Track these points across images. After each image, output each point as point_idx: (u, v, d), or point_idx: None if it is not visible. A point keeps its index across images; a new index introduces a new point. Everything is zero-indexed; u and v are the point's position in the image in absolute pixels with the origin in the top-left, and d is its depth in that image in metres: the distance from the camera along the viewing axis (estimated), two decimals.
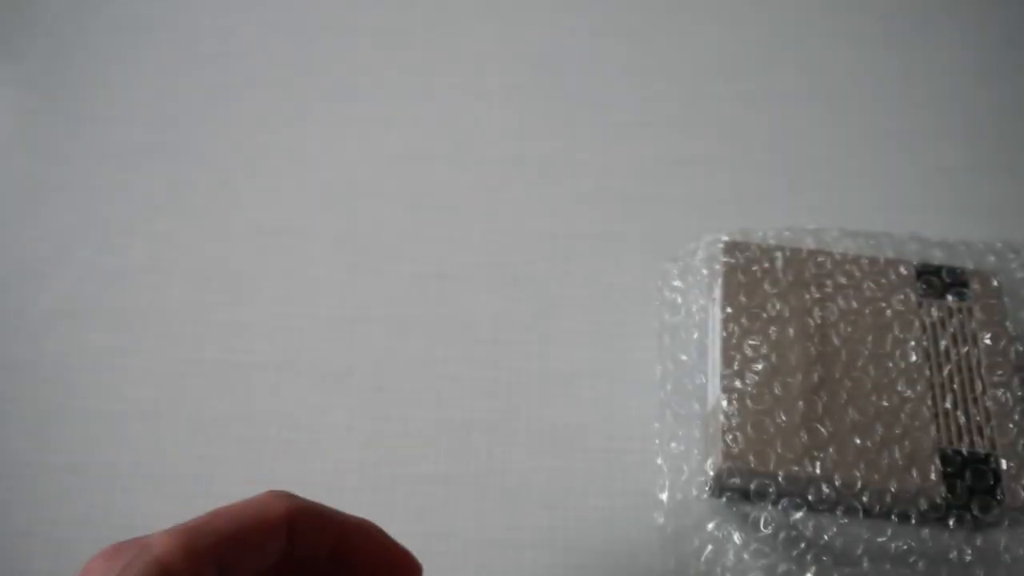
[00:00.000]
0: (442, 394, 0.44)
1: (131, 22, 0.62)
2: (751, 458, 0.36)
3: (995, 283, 0.40)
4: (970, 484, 0.34)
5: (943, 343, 0.38)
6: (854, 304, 0.39)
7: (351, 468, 0.42)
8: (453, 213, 0.51)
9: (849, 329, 0.38)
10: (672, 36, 0.58)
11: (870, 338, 0.38)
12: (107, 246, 0.51)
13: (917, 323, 0.38)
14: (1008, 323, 0.38)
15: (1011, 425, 0.35)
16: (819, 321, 0.39)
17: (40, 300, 0.49)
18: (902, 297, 0.39)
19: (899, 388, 0.37)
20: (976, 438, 0.35)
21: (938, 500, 0.34)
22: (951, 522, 0.35)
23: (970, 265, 0.42)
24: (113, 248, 0.51)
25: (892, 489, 0.34)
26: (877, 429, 0.35)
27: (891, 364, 0.37)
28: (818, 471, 0.35)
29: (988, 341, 0.38)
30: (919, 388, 0.36)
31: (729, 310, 0.40)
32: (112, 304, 0.49)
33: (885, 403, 0.36)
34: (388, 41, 0.59)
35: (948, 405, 0.36)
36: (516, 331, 0.46)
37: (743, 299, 0.40)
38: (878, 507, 0.35)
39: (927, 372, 0.37)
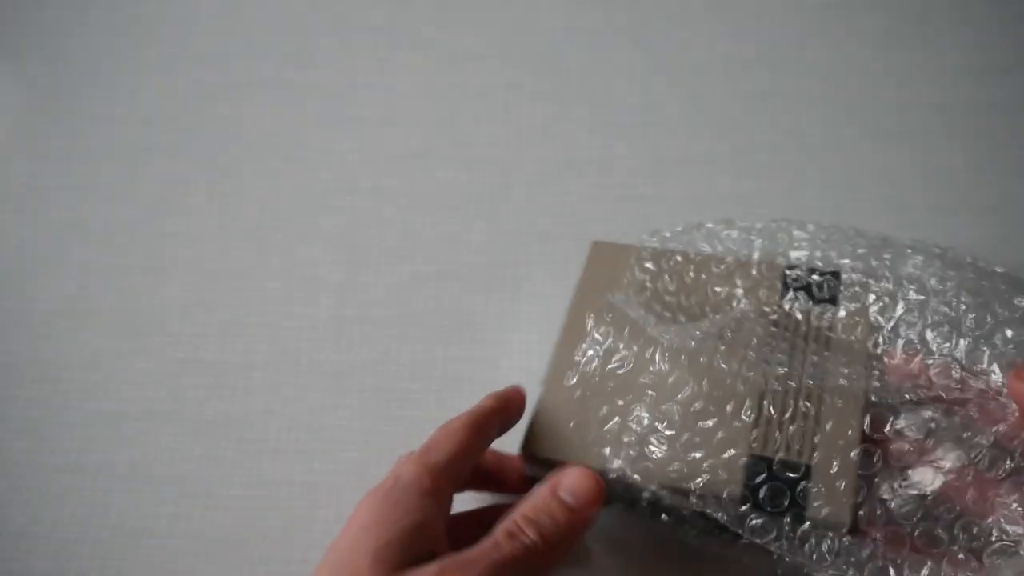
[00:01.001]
0: (442, 394, 0.44)
1: (131, 22, 0.62)
2: (547, 446, 0.34)
3: (870, 297, 0.36)
4: (769, 492, 0.31)
5: (796, 350, 0.35)
6: (711, 300, 0.37)
7: (351, 468, 0.42)
8: (453, 213, 0.51)
9: (698, 329, 0.36)
10: (672, 36, 0.58)
11: (722, 336, 0.36)
12: (107, 246, 0.51)
13: (773, 326, 0.36)
14: (869, 343, 0.35)
15: (833, 444, 0.32)
16: (668, 315, 0.37)
17: (40, 300, 0.49)
18: (764, 296, 0.37)
19: (733, 386, 0.34)
20: (795, 448, 0.32)
21: (738, 501, 0.32)
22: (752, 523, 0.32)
23: (852, 273, 0.39)
24: (113, 248, 0.51)
25: (691, 487, 0.32)
26: (694, 427, 0.33)
27: (732, 364, 0.35)
28: (615, 464, 0.33)
29: (843, 358, 0.35)
30: (752, 390, 0.34)
31: (579, 303, 0.39)
32: (112, 304, 0.49)
33: (712, 405, 0.34)
34: (388, 41, 0.59)
35: (773, 412, 0.33)
36: (516, 331, 0.46)
37: (597, 293, 0.38)
38: (683, 504, 0.33)
39: (763, 377, 0.34)
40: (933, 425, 0.32)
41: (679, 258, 0.39)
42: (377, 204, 0.52)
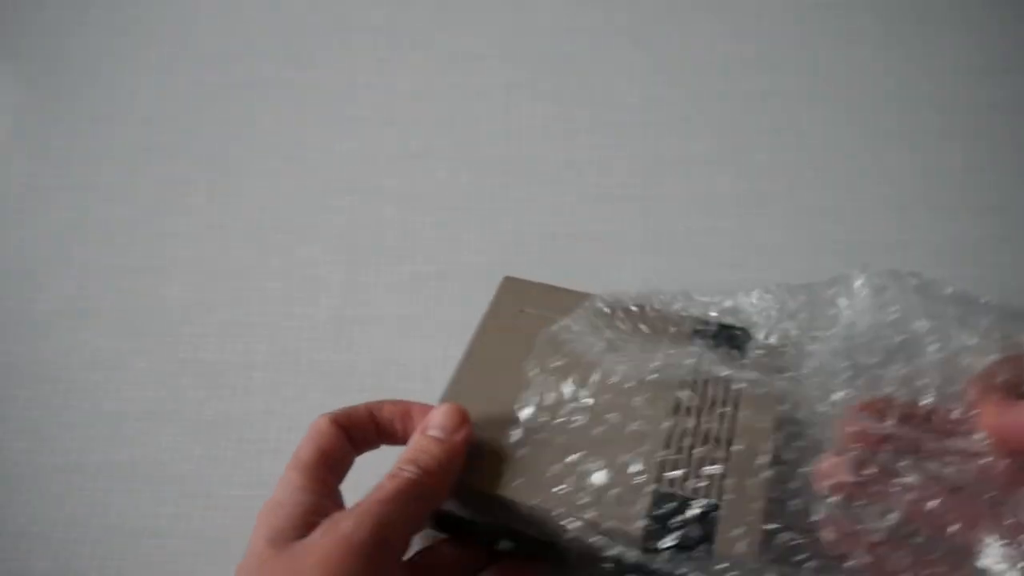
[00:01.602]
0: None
1: (131, 23, 0.62)
2: (487, 482, 0.34)
3: (773, 344, 0.37)
4: (675, 525, 0.31)
5: (709, 393, 0.35)
6: (622, 345, 0.37)
7: (351, 468, 0.42)
8: (453, 213, 0.51)
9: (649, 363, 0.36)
10: (673, 36, 0.58)
11: (628, 382, 0.36)
12: (107, 246, 0.51)
13: (686, 371, 0.36)
14: (773, 391, 0.35)
15: (744, 483, 0.32)
16: (575, 357, 0.37)
17: (40, 300, 0.49)
18: (676, 340, 0.37)
19: (637, 427, 0.34)
20: (701, 486, 0.32)
21: (639, 538, 0.31)
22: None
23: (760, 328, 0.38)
24: (113, 248, 0.51)
25: (590, 519, 0.31)
26: (594, 462, 0.33)
27: (639, 403, 0.35)
28: (509, 494, 0.32)
29: (749, 407, 0.35)
30: (660, 429, 0.34)
31: (486, 333, 0.39)
32: (112, 304, 0.49)
33: (616, 441, 0.34)
34: (388, 41, 0.59)
35: (681, 452, 0.33)
36: None
37: (505, 326, 0.39)
38: (584, 540, 0.32)
39: (674, 417, 0.34)
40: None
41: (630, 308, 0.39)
42: (377, 204, 0.52)
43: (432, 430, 0.33)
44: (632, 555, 0.31)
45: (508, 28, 0.59)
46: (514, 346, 0.38)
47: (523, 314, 0.40)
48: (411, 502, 0.30)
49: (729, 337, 0.38)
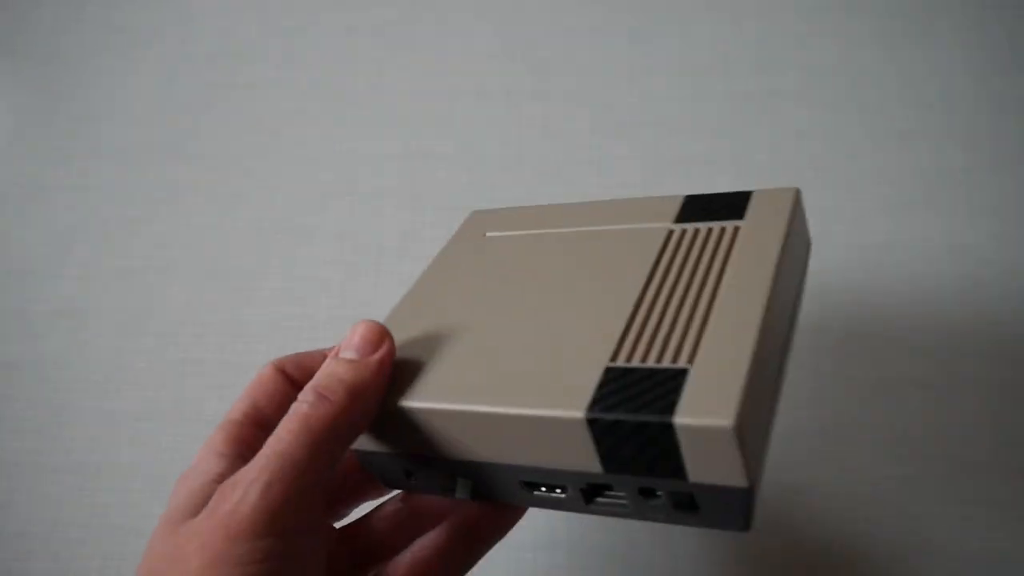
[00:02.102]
0: None
1: (131, 23, 0.62)
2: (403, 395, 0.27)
3: (790, 201, 0.29)
4: (626, 399, 0.23)
5: (677, 261, 0.28)
6: (596, 240, 0.31)
7: None
8: (453, 213, 0.51)
9: (572, 260, 0.30)
10: (672, 36, 0.58)
11: (592, 265, 0.30)
12: (107, 246, 0.51)
13: (654, 245, 0.29)
14: (780, 244, 0.27)
15: (726, 343, 0.24)
16: (540, 259, 0.31)
17: (40, 300, 0.49)
18: (651, 224, 0.30)
19: (588, 304, 0.27)
20: (668, 356, 0.24)
21: (579, 424, 0.23)
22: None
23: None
24: (113, 248, 0.51)
25: (515, 412, 0.24)
26: (527, 342, 0.26)
27: (597, 284, 0.28)
28: (412, 402, 0.26)
29: (742, 258, 0.27)
30: (617, 303, 0.27)
31: (443, 260, 0.34)
32: (112, 304, 0.49)
33: (562, 321, 0.27)
34: (388, 41, 0.59)
35: (649, 321, 0.26)
36: None
37: (465, 252, 0.34)
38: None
39: (637, 289, 0.27)
40: None
41: (577, 211, 0.34)
42: (377, 204, 0.52)
43: (345, 351, 0.27)
44: (577, 456, 0.24)
45: (508, 28, 0.59)
46: (474, 269, 0.32)
47: (487, 238, 0.34)
48: (313, 445, 0.24)
49: (724, 200, 0.30)
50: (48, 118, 0.57)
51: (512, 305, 0.29)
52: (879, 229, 0.49)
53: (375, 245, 0.50)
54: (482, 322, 0.28)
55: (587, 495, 0.25)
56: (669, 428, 0.22)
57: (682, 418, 0.21)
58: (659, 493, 0.24)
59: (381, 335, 0.27)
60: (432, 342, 0.28)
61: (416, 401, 0.26)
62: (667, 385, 0.22)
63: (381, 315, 0.47)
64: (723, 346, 0.23)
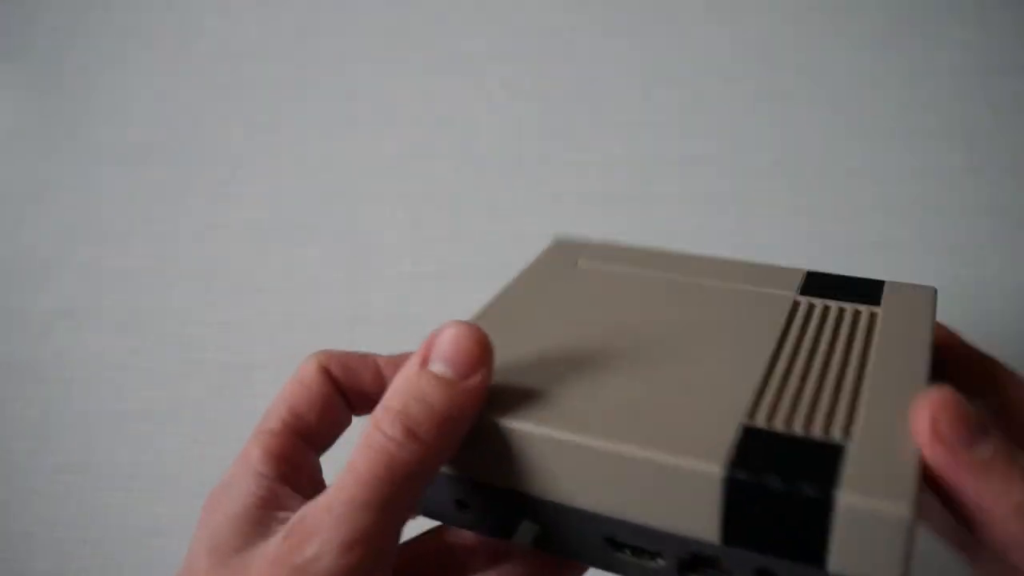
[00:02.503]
0: None
1: (131, 23, 0.62)
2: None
3: (931, 299, 0.27)
4: (773, 466, 0.20)
5: (810, 331, 0.26)
6: (710, 295, 0.28)
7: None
8: (453, 213, 0.51)
9: (686, 310, 0.28)
10: (672, 36, 0.58)
11: (711, 319, 0.27)
12: (107, 246, 0.51)
13: (780, 311, 0.27)
14: (930, 336, 0.25)
15: (887, 416, 0.21)
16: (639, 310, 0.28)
17: (40, 300, 0.49)
18: (772, 290, 0.28)
19: (711, 358, 0.24)
20: (817, 424, 0.21)
21: (717, 481, 0.20)
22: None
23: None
24: (113, 248, 0.51)
25: (642, 454, 0.21)
26: (655, 385, 0.23)
27: (720, 339, 0.26)
28: (524, 427, 0.22)
29: (889, 343, 0.25)
30: (746, 363, 0.24)
31: (527, 280, 0.32)
32: (112, 304, 0.49)
33: (682, 369, 0.24)
34: (388, 41, 0.59)
35: (787, 386, 0.23)
36: None
37: (551, 277, 0.31)
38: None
39: (768, 351, 0.25)
40: None
41: (679, 260, 0.31)
42: (377, 204, 0.52)
43: (436, 363, 0.22)
44: (693, 518, 0.21)
45: (508, 28, 0.59)
46: (568, 297, 0.29)
47: (578, 268, 0.31)
48: (397, 492, 0.20)
49: (856, 284, 0.28)
50: (48, 118, 0.57)
51: (621, 342, 0.26)
52: (878, 229, 0.49)
53: (375, 245, 0.50)
54: (587, 354, 0.25)
55: (685, 568, 0.22)
56: (827, 504, 0.19)
57: (849, 496, 0.19)
58: None
59: (483, 347, 0.22)
60: (529, 363, 0.25)
61: (519, 421, 0.22)
62: (822, 456, 0.20)
63: (381, 316, 0.47)
64: (885, 427, 0.21)
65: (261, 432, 0.24)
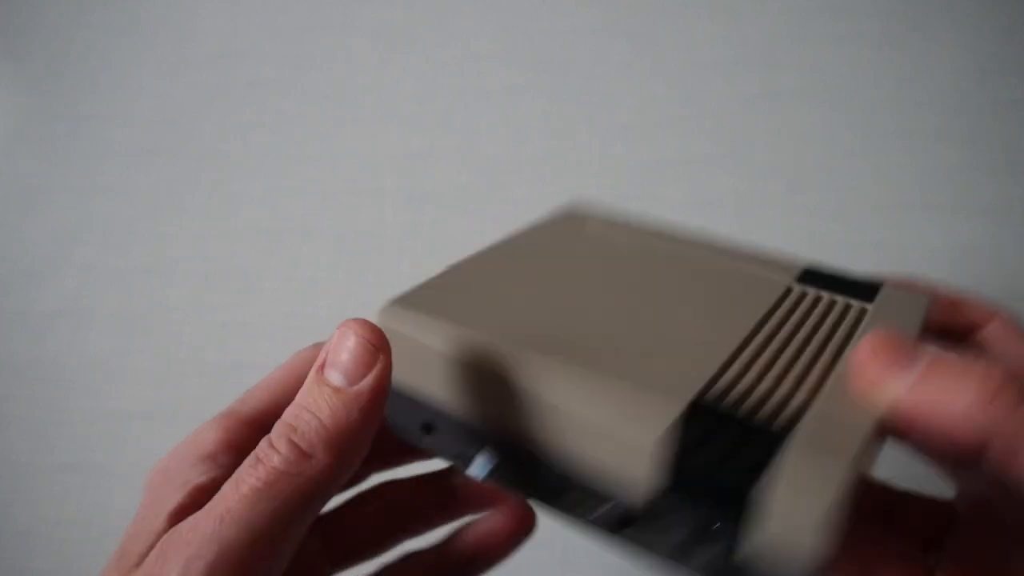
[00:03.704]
0: None
1: (131, 23, 0.62)
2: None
3: (925, 304, 0.27)
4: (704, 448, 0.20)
5: (794, 318, 0.26)
6: (706, 267, 0.28)
7: None
8: (453, 213, 0.51)
9: (677, 277, 0.28)
10: (672, 36, 0.58)
11: (699, 289, 0.27)
12: (107, 246, 0.51)
13: (770, 294, 0.27)
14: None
15: (834, 420, 0.21)
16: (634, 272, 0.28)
17: (40, 300, 0.49)
18: (768, 274, 0.28)
19: (688, 328, 0.24)
20: (766, 411, 0.21)
21: (648, 456, 0.20)
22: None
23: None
24: (113, 248, 0.51)
25: (587, 422, 0.21)
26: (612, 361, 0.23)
27: (701, 310, 0.26)
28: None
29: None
30: (721, 338, 0.24)
31: (517, 240, 0.31)
32: (112, 304, 0.49)
33: (655, 335, 0.24)
34: (388, 41, 0.59)
35: (751, 368, 0.23)
36: None
37: (549, 237, 0.31)
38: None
39: (745, 330, 0.24)
40: None
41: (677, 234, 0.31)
42: (377, 204, 0.52)
43: (329, 370, 0.21)
44: (636, 484, 0.21)
45: (508, 28, 0.59)
46: (565, 249, 0.28)
47: (583, 230, 0.31)
48: (279, 514, 0.19)
49: (854, 282, 0.28)
50: (48, 118, 0.57)
51: (603, 301, 0.26)
52: (878, 229, 0.49)
53: (375, 245, 0.50)
54: (565, 306, 0.25)
55: (622, 521, 0.22)
56: (743, 495, 0.19)
57: (769, 492, 0.19)
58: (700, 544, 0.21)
59: (372, 347, 0.21)
60: (504, 308, 0.25)
61: (493, 336, 0.22)
62: (756, 444, 0.20)
63: None
64: (831, 422, 0.21)
65: (229, 415, 0.23)
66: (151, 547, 0.20)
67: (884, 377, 0.20)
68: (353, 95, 0.57)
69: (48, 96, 0.59)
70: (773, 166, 0.52)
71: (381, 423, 0.21)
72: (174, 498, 0.21)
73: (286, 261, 0.50)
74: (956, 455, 0.20)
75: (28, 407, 0.45)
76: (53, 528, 0.41)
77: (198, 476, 0.21)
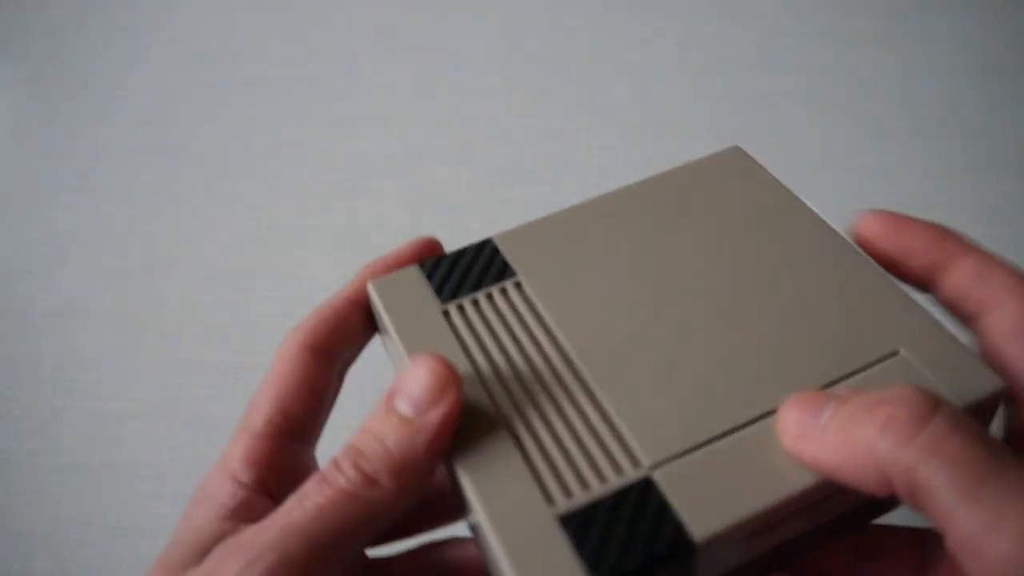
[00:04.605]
0: None
1: (131, 23, 0.62)
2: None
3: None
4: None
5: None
6: None
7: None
8: (453, 213, 0.51)
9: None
10: (672, 36, 0.58)
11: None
12: (107, 246, 0.51)
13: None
14: None
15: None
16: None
17: (40, 300, 0.49)
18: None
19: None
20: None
21: None
22: None
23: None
24: (113, 248, 0.51)
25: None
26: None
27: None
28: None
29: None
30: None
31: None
32: (112, 304, 0.49)
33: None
34: (388, 41, 0.59)
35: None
36: None
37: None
38: None
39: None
40: None
41: None
42: (377, 204, 0.52)
43: (398, 400, 0.21)
44: None
45: (508, 28, 0.59)
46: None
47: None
48: (340, 522, 0.20)
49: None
50: (48, 118, 0.57)
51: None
52: None
53: (375, 245, 0.50)
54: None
55: None
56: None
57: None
58: None
59: (442, 380, 0.21)
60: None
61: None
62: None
63: None
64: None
65: (244, 431, 0.24)
66: (202, 551, 0.21)
67: (799, 440, 0.20)
68: (353, 95, 0.57)
69: (47, 96, 0.59)
70: (773, 166, 0.52)
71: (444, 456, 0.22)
72: (226, 504, 0.22)
73: (286, 261, 0.50)
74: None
75: (28, 407, 0.45)
76: (52, 529, 0.41)
77: (230, 498, 0.22)
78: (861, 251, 0.26)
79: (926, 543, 0.22)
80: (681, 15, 0.59)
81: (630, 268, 0.25)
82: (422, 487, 0.21)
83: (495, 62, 0.57)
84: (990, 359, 0.22)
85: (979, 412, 0.20)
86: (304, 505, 0.20)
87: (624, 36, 0.58)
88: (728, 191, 0.28)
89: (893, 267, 0.25)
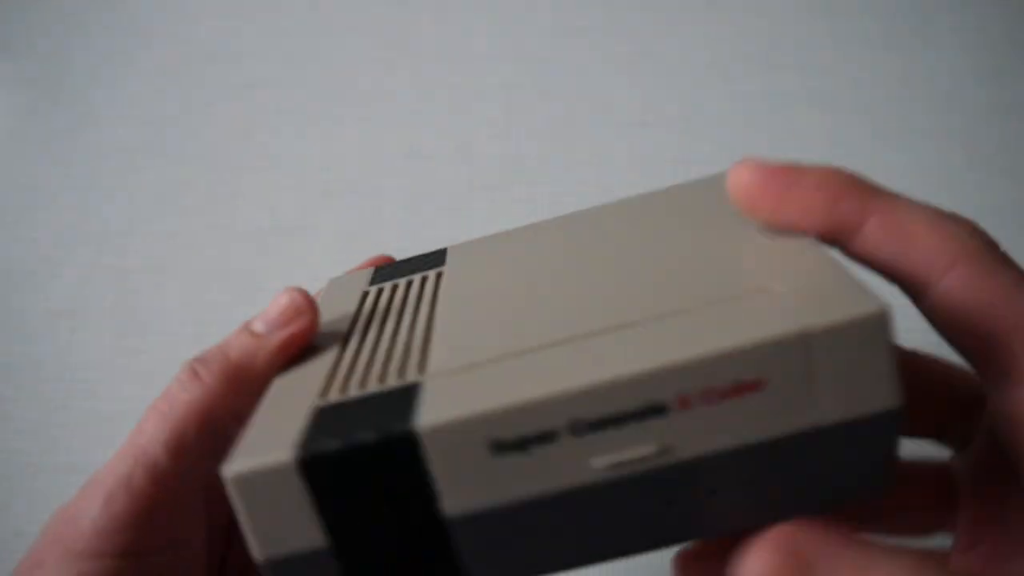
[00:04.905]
0: None
1: (131, 22, 0.62)
2: None
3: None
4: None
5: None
6: None
7: None
8: (453, 213, 0.51)
9: None
10: (672, 36, 0.58)
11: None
12: (107, 246, 0.51)
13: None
14: None
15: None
16: None
17: (40, 300, 0.49)
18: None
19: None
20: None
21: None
22: None
23: None
24: (113, 248, 0.51)
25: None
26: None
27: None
28: None
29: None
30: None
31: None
32: (112, 304, 0.49)
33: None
34: (388, 41, 0.59)
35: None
36: None
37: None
38: None
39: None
40: None
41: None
42: (377, 204, 0.52)
43: (256, 320, 0.23)
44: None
45: (508, 28, 0.59)
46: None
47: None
48: (175, 439, 0.21)
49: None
50: (48, 118, 0.57)
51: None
52: None
53: (375, 245, 0.50)
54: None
55: None
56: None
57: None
58: None
59: (296, 307, 0.23)
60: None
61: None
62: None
63: None
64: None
65: (136, 450, 0.22)
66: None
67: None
68: (353, 95, 0.57)
69: (48, 96, 0.59)
70: None
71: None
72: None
73: (286, 261, 0.50)
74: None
75: (28, 407, 0.45)
76: None
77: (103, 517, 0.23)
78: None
79: (950, 474, 0.23)
80: (681, 15, 0.59)
81: (541, 255, 0.26)
82: (250, 400, 0.21)
83: (495, 62, 0.57)
84: (951, 332, 0.21)
85: (860, 336, 0.19)
86: (140, 426, 0.22)
87: (624, 36, 0.58)
88: (694, 203, 0.27)
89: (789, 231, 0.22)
